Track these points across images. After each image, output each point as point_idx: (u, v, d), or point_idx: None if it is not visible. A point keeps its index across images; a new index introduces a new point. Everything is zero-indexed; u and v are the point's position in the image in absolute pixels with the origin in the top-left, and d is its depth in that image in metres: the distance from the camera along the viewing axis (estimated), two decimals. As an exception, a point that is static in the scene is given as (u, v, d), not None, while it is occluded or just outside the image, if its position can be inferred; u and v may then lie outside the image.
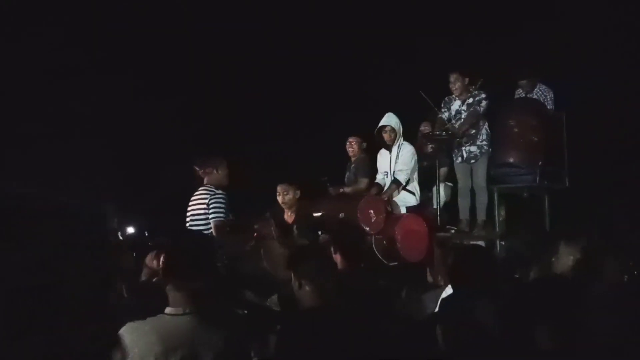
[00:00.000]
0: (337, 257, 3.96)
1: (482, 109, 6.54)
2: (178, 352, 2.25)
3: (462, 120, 6.56)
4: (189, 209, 5.17)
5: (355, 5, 9.24)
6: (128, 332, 2.30)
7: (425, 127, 7.30)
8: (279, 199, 5.73)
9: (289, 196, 5.68)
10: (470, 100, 6.60)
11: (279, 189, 5.74)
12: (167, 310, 2.37)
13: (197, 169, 5.21)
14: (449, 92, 6.81)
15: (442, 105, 6.80)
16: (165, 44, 10.33)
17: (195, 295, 2.37)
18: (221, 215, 4.92)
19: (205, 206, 4.97)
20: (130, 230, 14.61)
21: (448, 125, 6.53)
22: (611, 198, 7.31)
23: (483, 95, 6.57)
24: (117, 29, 10.12)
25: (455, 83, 6.60)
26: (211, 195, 4.98)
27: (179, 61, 10.35)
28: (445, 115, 6.71)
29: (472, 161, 6.58)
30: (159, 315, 2.37)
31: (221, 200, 4.96)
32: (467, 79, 6.61)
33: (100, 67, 10.08)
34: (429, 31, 8.86)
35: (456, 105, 6.70)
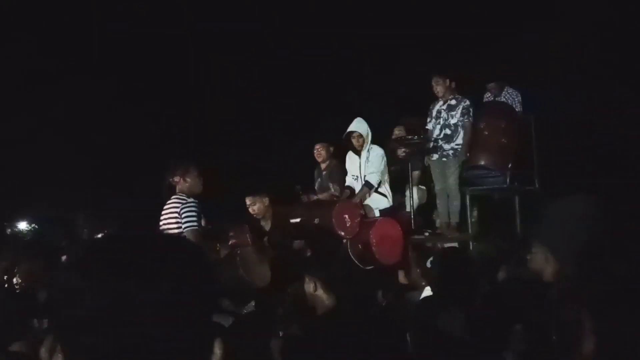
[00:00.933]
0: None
1: (470, 118, 6.62)
2: None
3: (451, 129, 6.62)
4: (161, 217, 5.08)
5: (324, 14, 9.30)
6: None
7: (399, 131, 7.35)
8: (249, 209, 5.74)
9: (257, 206, 5.68)
10: (453, 102, 6.67)
11: (247, 201, 5.74)
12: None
13: (169, 177, 5.12)
14: (417, 97, 6.92)
15: (429, 111, 6.89)
16: (135, 53, 10.23)
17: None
18: (194, 223, 4.80)
19: (177, 215, 4.84)
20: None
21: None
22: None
23: (467, 103, 6.65)
24: (87, 36, 9.99)
25: (436, 86, 6.68)
26: (183, 203, 4.85)
27: (150, 70, 10.27)
28: (430, 126, 6.78)
29: (444, 159, 6.64)
30: None
31: (193, 208, 4.81)
32: (447, 81, 6.70)
33: (73, 73, 9.93)
34: (399, 38, 8.97)
35: (437, 105, 6.77)
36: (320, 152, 6.72)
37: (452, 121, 6.66)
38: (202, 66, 10.01)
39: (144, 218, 10.95)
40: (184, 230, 4.80)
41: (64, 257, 6.75)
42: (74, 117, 10.38)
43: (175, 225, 4.87)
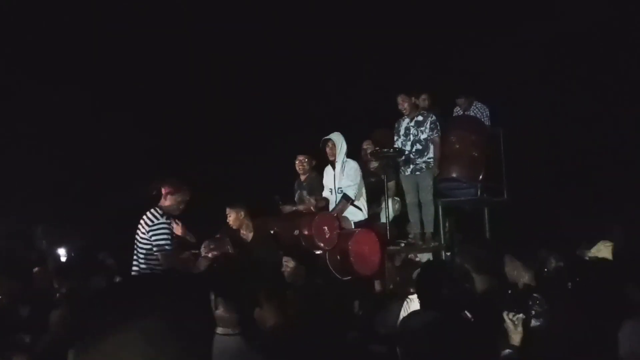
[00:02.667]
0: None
1: (439, 132, 6.81)
2: None
3: (422, 150, 6.82)
4: (137, 230, 5.00)
5: (305, 26, 9.42)
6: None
7: (367, 146, 7.49)
8: (228, 221, 5.80)
9: (233, 217, 5.74)
10: (420, 118, 6.87)
11: (226, 212, 5.81)
12: (218, 330, 2.46)
13: (162, 187, 4.92)
14: (394, 111, 7.09)
15: (395, 130, 7.06)
16: (103, 62, 10.11)
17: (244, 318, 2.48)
18: (164, 244, 4.68)
19: (147, 230, 4.74)
20: (62, 251, 13.99)
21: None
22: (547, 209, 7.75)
23: (433, 118, 6.86)
24: (47, 44, 9.83)
25: (404, 103, 6.87)
26: (153, 223, 4.73)
27: (118, 78, 10.15)
28: (398, 143, 6.96)
29: (418, 173, 6.82)
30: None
31: (162, 229, 4.71)
32: (413, 98, 6.92)
33: (33, 82, 9.74)
34: (374, 54, 9.16)
35: (405, 123, 6.96)
36: (303, 163, 6.81)
37: (422, 136, 6.86)
38: (175, 75, 9.95)
39: (105, 230, 10.80)
40: (156, 253, 4.71)
41: (35, 270, 6.66)
42: (33, 129, 10.16)
43: (145, 241, 4.74)
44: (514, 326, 3.13)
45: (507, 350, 3.10)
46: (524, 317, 3.12)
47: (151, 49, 9.99)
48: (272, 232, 5.82)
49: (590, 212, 7.16)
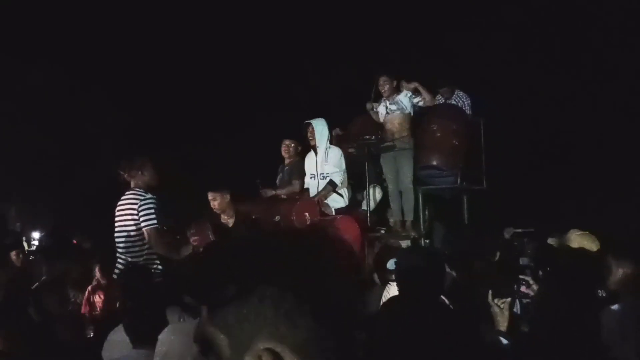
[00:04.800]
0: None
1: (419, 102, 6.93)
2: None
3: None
4: (117, 213, 4.94)
5: (295, 9, 9.33)
6: (168, 333, 2.37)
7: (337, 132, 7.49)
8: (211, 205, 5.72)
9: (218, 201, 5.66)
10: (397, 98, 6.92)
11: (209, 196, 5.72)
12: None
13: (122, 172, 4.91)
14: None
15: (372, 108, 7.08)
16: (77, 36, 9.87)
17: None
18: (153, 221, 4.69)
19: (135, 211, 4.72)
20: (36, 234, 13.81)
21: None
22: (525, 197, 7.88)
23: (410, 93, 6.90)
24: (26, 17, 9.58)
25: (384, 85, 6.90)
26: (141, 200, 4.71)
27: (93, 54, 9.94)
28: (382, 115, 7.02)
29: (397, 149, 6.84)
30: (199, 319, 2.40)
31: (151, 204, 4.71)
32: (395, 82, 6.94)
33: (4, 57, 9.49)
34: (357, 41, 9.14)
35: (382, 106, 6.99)
36: (289, 147, 6.80)
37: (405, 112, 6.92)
38: (154, 52, 9.78)
39: (79, 210, 10.67)
40: (143, 228, 4.71)
41: (12, 254, 6.56)
42: (3, 108, 9.92)
43: (131, 222, 4.75)
44: (500, 310, 3.19)
45: (505, 341, 3.14)
46: (510, 300, 3.19)
47: (131, 25, 9.80)
48: (254, 217, 5.80)
49: (567, 201, 7.29)
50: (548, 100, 8.37)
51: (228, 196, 5.72)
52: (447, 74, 8.11)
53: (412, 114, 7.00)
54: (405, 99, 6.90)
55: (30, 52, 9.73)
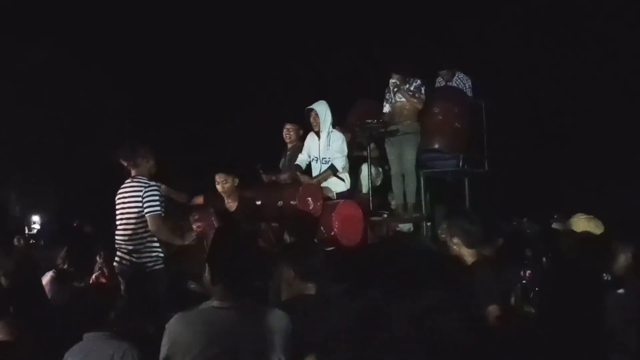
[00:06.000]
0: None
1: (423, 95, 6.91)
2: (220, 343, 2.33)
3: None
4: (118, 201, 4.94)
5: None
6: (177, 322, 2.38)
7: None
8: (219, 187, 5.65)
9: (228, 184, 5.60)
10: (406, 86, 6.89)
11: (218, 178, 5.63)
12: (214, 303, 2.44)
13: (124, 162, 4.91)
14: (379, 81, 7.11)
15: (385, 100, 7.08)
16: (83, 15, 9.73)
17: (240, 291, 2.44)
18: (157, 208, 4.72)
19: (139, 199, 4.75)
20: (36, 218, 13.76)
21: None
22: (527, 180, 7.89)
23: (418, 82, 6.92)
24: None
25: (395, 76, 6.93)
26: (145, 187, 4.74)
27: (97, 35, 9.82)
28: (386, 109, 6.97)
29: (401, 133, 6.83)
30: (205, 307, 2.44)
31: (155, 192, 4.75)
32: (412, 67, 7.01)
33: (8, 38, 9.37)
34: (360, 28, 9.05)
35: (391, 84, 6.99)
36: (290, 132, 6.76)
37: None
38: (155, 31, 9.65)
39: (80, 193, 10.63)
40: (146, 215, 4.73)
41: (15, 240, 6.55)
42: (3, 87, 9.81)
43: (135, 210, 4.77)
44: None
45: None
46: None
47: (132, 3, 9.65)
48: (258, 203, 5.78)
49: (570, 183, 7.31)
50: (550, 81, 8.33)
51: (237, 180, 5.69)
52: (447, 56, 8.06)
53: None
54: (412, 87, 6.89)
55: (30, 32, 9.60)
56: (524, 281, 3.64)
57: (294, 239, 4.20)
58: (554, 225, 4.44)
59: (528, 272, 3.69)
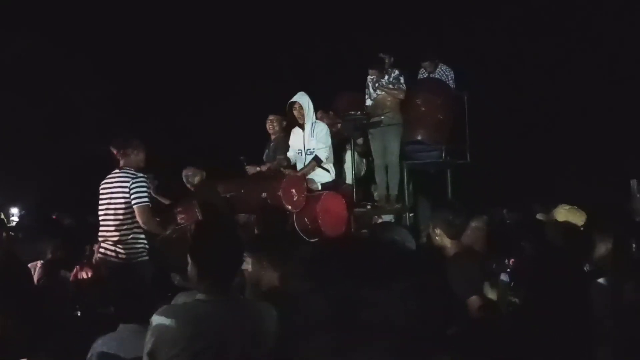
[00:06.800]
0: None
1: (403, 85, 6.96)
2: (207, 337, 2.31)
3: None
4: (103, 192, 4.93)
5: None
6: (162, 315, 2.34)
7: (320, 115, 7.48)
8: (189, 181, 5.68)
9: (197, 178, 5.63)
10: (385, 77, 6.90)
11: (188, 171, 5.68)
12: (199, 296, 2.42)
13: (115, 149, 4.95)
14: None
15: (367, 87, 7.09)
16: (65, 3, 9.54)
17: (225, 284, 2.44)
18: (145, 199, 4.74)
19: (126, 189, 4.75)
20: (14, 211, 13.54)
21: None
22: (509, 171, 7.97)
23: (397, 72, 6.95)
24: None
25: (385, 59, 7.03)
26: (132, 178, 4.76)
27: (79, 23, 9.64)
28: (369, 102, 6.99)
29: (384, 125, 6.85)
30: (191, 301, 2.44)
31: (143, 183, 4.78)
32: (392, 58, 7.05)
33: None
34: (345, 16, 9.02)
35: (369, 80, 7.00)
36: (273, 123, 6.73)
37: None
38: (138, 23, 9.50)
39: (60, 185, 10.49)
40: (134, 206, 4.71)
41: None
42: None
43: (121, 200, 4.77)
44: (490, 286, 3.27)
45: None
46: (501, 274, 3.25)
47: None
48: (225, 195, 5.75)
49: (553, 175, 7.40)
50: (532, 72, 8.41)
51: (204, 173, 5.71)
52: (430, 47, 8.08)
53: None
54: (392, 78, 6.93)
55: (11, 20, 9.40)
56: (508, 270, 3.67)
57: (262, 229, 4.19)
58: (538, 216, 4.51)
59: (512, 260, 3.74)
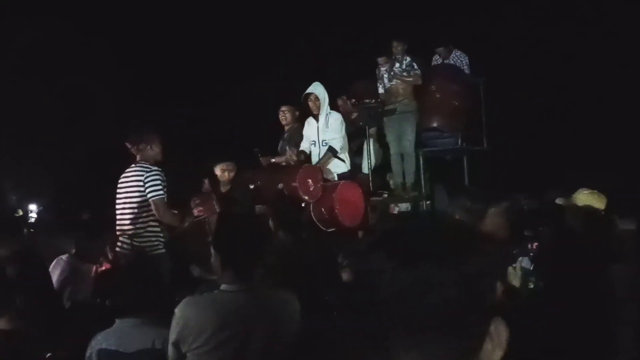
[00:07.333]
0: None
1: (415, 73, 6.91)
2: (231, 327, 2.33)
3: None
4: (120, 186, 4.97)
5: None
6: (185, 306, 2.37)
7: (341, 102, 7.46)
8: (223, 175, 5.69)
9: (233, 173, 5.66)
10: (397, 65, 6.85)
11: (226, 166, 5.68)
12: (222, 286, 2.43)
13: (129, 145, 4.98)
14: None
15: (378, 76, 7.03)
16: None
17: (248, 274, 2.43)
18: (160, 192, 4.75)
19: (141, 183, 4.78)
20: (33, 207, 13.68)
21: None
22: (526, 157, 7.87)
23: (409, 59, 6.89)
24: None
25: (397, 47, 6.93)
26: (147, 172, 4.78)
27: (93, 24, 9.65)
28: (381, 89, 6.94)
29: (399, 112, 6.81)
30: (215, 291, 2.44)
31: (158, 176, 4.78)
32: (406, 45, 6.90)
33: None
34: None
35: (384, 73, 6.91)
36: (285, 114, 6.71)
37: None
38: (155, 12, 9.47)
39: (78, 179, 10.57)
40: (150, 200, 4.74)
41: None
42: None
43: (137, 195, 4.80)
44: (513, 270, 3.24)
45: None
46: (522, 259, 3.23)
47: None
48: (251, 186, 5.77)
49: (568, 161, 7.30)
50: (548, 56, 8.27)
51: (236, 168, 5.76)
52: (444, 32, 8.00)
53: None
54: (404, 65, 6.88)
55: (28, 6, 9.42)
56: (531, 254, 3.64)
57: (276, 222, 4.18)
58: (558, 201, 4.44)
59: (535, 244, 3.70)
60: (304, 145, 6.62)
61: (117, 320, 2.91)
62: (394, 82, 6.92)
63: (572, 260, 3.41)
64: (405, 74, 6.85)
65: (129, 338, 2.80)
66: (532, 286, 3.63)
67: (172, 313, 2.43)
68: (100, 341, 2.87)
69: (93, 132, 9.34)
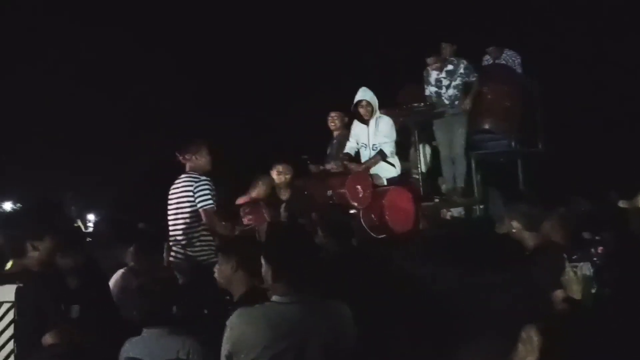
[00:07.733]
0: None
1: (475, 77, 6.78)
2: (286, 339, 2.30)
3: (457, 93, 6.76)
4: (171, 196, 5.04)
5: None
6: (238, 318, 2.36)
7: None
8: (279, 177, 5.71)
9: (289, 176, 5.67)
10: (450, 67, 6.73)
11: (282, 168, 5.70)
12: (275, 298, 2.40)
13: (179, 155, 5.05)
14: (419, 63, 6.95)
15: (425, 80, 6.93)
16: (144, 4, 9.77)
17: (301, 285, 2.40)
18: (209, 201, 4.79)
19: (191, 193, 4.83)
20: (91, 217, 14.11)
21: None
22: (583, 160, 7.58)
23: (466, 63, 6.76)
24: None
25: (446, 48, 6.84)
26: (196, 182, 4.83)
27: (146, 40, 9.90)
28: (428, 92, 6.86)
29: (451, 123, 6.68)
30: (267, 303, 2.41)
31: (207, 186, 4.82)
32: (454, 46, 6.81)
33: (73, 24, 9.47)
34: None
35: (434, 75, 6.80)
36: (335, 120, 6.68)
37: (454, 83, 6.76)
38: (218, 21, 9.63)
39: (133, 195, 10.83)
40: (200, 209, 4.80)
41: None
42: (49, 91, 10.01)
43: (187, 205, 4.86)
44: (575, 276, 3.12)
45: None
46: (582, 265, 3.11)
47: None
48: (306, 193, 5.76)
49: (627, 163, 6.97)
50: (603, 56, 7.95)
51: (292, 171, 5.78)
52: (495, 33, 7.82)
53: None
54: (461, 69, 6.75)
55: (92, 17, 9.71)
56: (594, 259, 3.49)
57: (325, 230, 4.13)
58: (621, 204, 4.26)
59: (600, 249, 3.55)
60: (350, 145, 6.54)
61: (144, 330, 2.94)
62: (455, 84, 6.79)
63: (637, 267, 3.24)
64: (467, 78, 6.75)
65: (155, 348, 2.84)
66: (594, 291, 3.47)
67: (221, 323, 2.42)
68: (127, 349, 2.92)
69: (156, 140, 9.53)
